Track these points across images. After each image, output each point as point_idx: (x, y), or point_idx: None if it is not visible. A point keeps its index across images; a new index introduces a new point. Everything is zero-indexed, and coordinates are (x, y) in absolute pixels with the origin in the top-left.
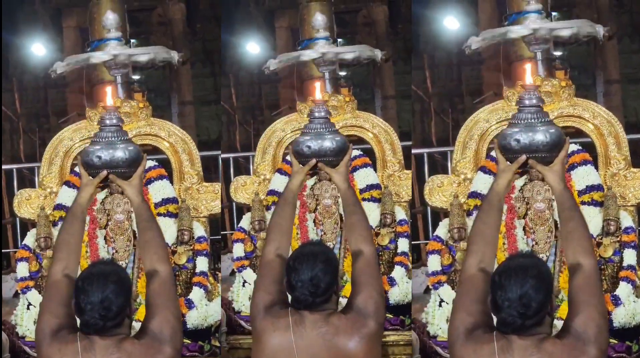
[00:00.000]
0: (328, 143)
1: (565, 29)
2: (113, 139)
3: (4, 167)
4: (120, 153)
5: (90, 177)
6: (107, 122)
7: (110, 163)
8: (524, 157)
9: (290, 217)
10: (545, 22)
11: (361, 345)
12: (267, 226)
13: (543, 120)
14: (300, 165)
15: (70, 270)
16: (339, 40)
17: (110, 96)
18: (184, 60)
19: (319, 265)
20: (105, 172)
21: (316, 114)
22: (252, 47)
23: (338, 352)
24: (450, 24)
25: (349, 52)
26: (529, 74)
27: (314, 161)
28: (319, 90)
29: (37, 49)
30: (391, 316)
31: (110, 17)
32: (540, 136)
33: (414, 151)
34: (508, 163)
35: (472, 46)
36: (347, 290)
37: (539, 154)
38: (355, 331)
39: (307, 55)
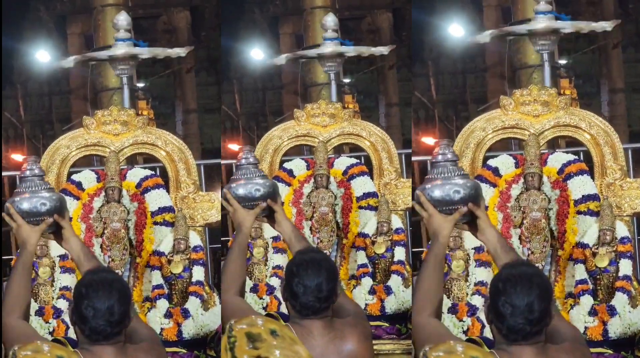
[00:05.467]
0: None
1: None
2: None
3: (7, 174)
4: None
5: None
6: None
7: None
8: (465, 208)
9: (244, 263)
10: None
11: (364, 345)
12: (223, 272)
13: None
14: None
15: (24, 316)
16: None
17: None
18: (188, 69)
19: (323, 272)
20: (51, 219)
21: None
22: (256, 54)
23: (348, 354)
24: (455, 31)
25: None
26: None
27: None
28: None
29: (42, 55)
30: (387, 325)
31: (120, 18)
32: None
33: (415, 158)
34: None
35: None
36: None
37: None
38: (355, 331)
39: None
